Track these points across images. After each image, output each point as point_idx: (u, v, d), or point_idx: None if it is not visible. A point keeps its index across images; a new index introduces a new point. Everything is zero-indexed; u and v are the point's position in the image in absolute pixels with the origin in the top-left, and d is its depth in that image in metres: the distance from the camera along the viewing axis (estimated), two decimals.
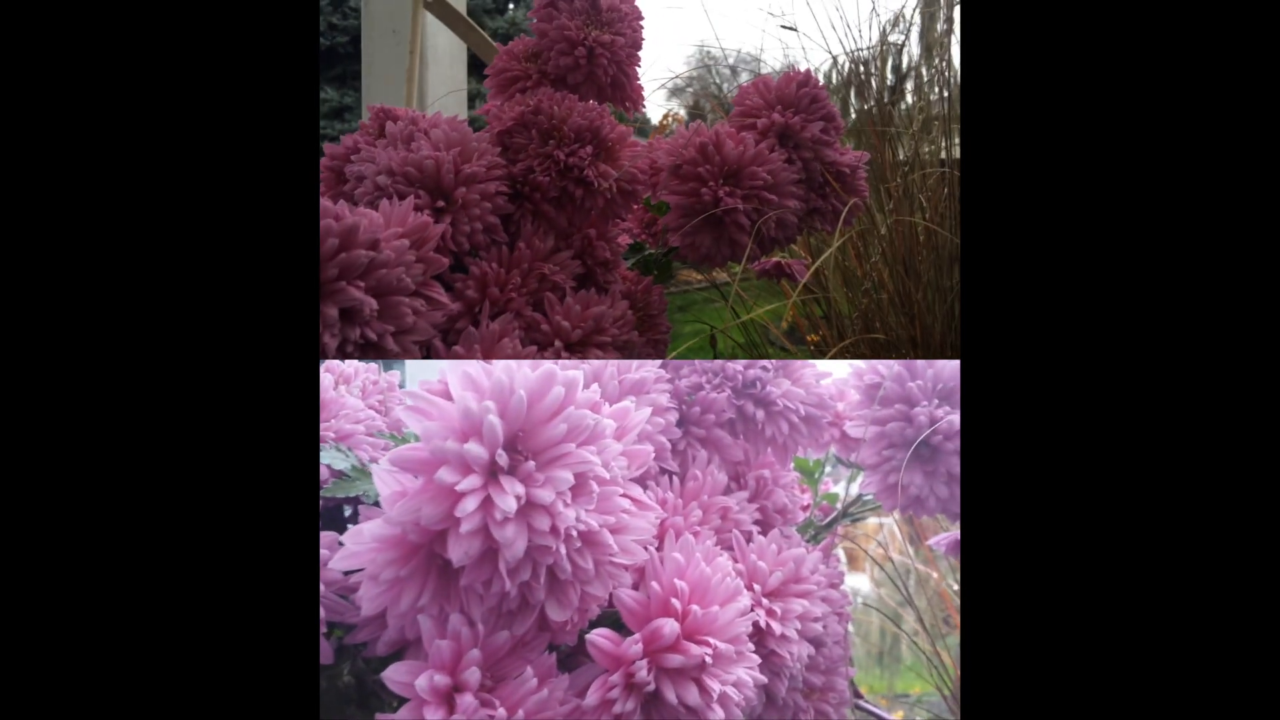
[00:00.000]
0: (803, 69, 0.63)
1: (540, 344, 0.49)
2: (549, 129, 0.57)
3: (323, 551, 0.38)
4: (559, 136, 0.57)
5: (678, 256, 0.69)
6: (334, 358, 0.36)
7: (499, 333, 0.44)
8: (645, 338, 0.59)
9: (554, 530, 0.33)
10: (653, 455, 0.42)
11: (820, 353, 0.99)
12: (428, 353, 0.42)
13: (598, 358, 0.51)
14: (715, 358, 0.81)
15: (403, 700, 0.36)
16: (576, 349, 0.51)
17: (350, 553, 0.35)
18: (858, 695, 0.67)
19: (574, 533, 0.33)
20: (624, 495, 0.36)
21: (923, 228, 0.75)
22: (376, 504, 0.38)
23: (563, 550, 0.33)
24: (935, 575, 0.96)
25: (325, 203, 0.38)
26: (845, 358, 0.80)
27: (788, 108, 0.61)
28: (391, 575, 0.34)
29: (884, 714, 0.72)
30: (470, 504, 0.31)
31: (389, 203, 0.44)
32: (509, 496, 0.32)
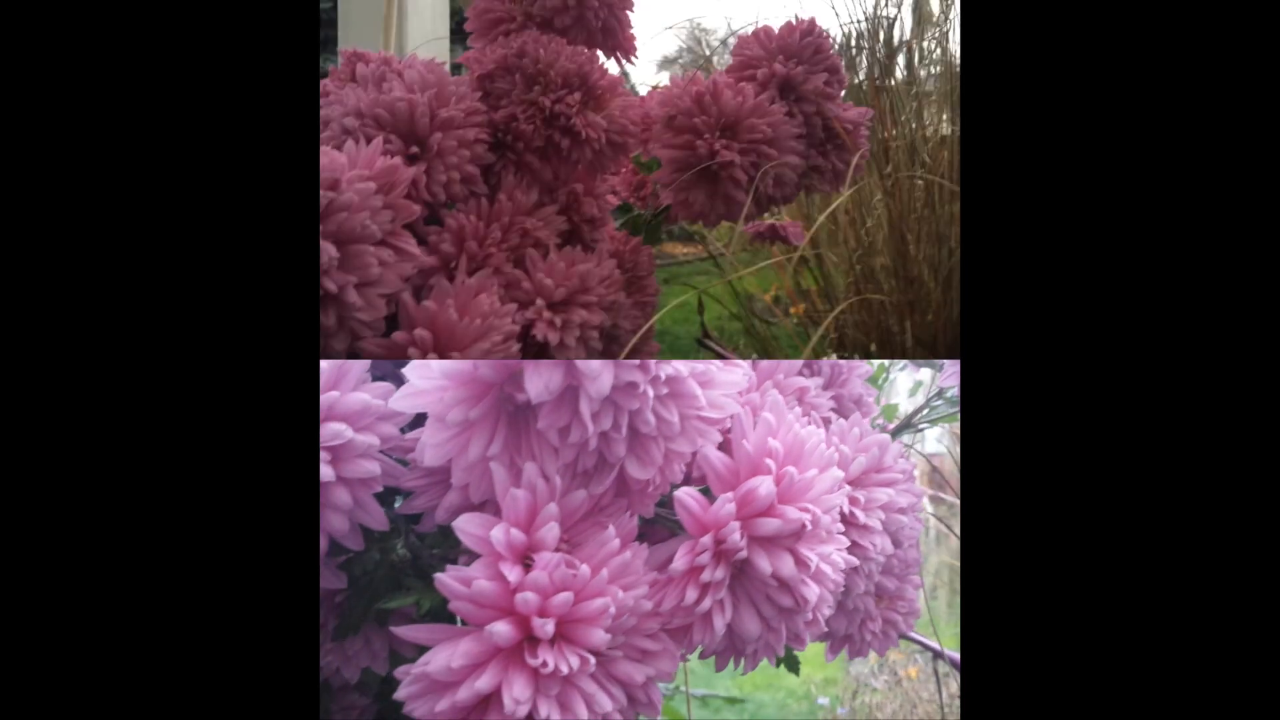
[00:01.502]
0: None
1: (521, 302, 0.46)
2: (534, 74, 0.53)
3: (375, 402, 0.34)
4: (545, 82, 0.53)
5: (670, 216, 0.65)
6: None
7: (476, 288, 0.41)
8: (633, 299, 0.56)
9: (642, 366, 0.30)
10: None
11: (812, 322, 0.96)
12: (395, 307, 0.38)
13: (581, 318, 0.47)
14: (702, 323, 0.78)
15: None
16: (559, 308, 0.47)
17: (414, 390, 0.31)
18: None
19: (661, 375, 0.30)
20: None
21: (922, 189, 0.72)
22: None
23: (650, 393, 0.30)
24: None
25: None
26: (840, 322, 0.77)
27: (789, 58, 0.57)
28: (460, 417, 0.31)
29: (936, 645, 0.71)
30: None
31: (354, 144, 0.40)
32: None
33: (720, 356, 0.74)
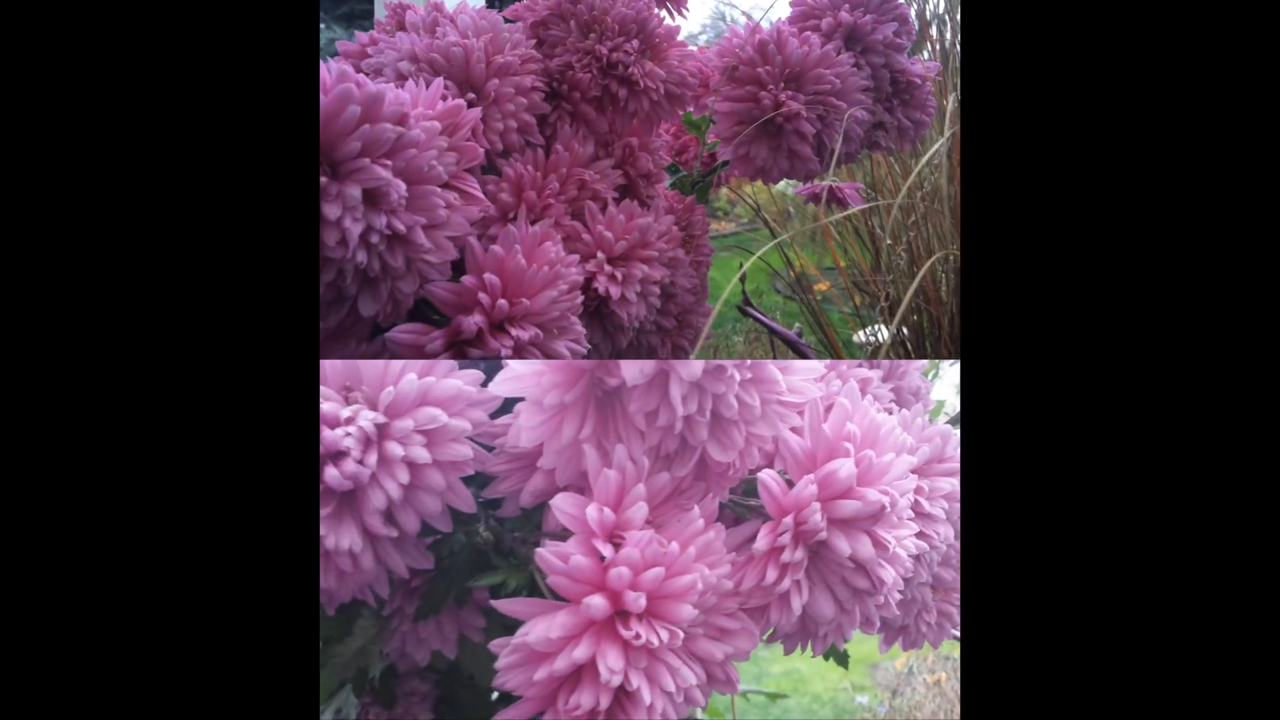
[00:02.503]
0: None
1: (581, 255, 0.44)
2: (589, 20, 0.51)
3: (467, 388, 0.34)
4: (601, 29, 0.51)
5: (717, 179, 0.63)
6: (356, 247, 0.31)
7: (541, 235, 0.39)
8: (690, 257, 0.54)
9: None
10: None
11: (859, 290, 0.94)
12: (462, 252, 0.37)
13: (642, 273, 0.46)
14: (744, 291, 0.75)
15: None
16: (619, 262, 0.45)
17: (513, 374, 0.33)
18: None
19: (745, 360, 0.32)
20: None
21: None
22: None
23: (736, 377, 0.31)
24: None
25: (345, 68, 0.32)
26: (888, 296, 0.75)
27: (856, 7, 0.54)
28: (556, 400, 0.32)
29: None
30: None
31: (415, 84, 0.39)
32: None
33: (762, 324, 0.72)
